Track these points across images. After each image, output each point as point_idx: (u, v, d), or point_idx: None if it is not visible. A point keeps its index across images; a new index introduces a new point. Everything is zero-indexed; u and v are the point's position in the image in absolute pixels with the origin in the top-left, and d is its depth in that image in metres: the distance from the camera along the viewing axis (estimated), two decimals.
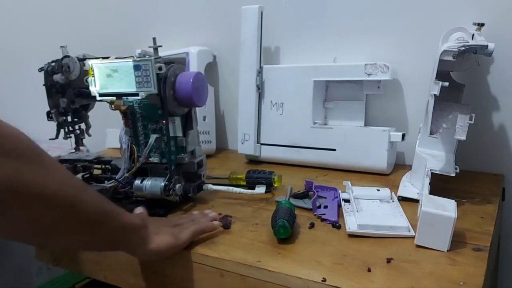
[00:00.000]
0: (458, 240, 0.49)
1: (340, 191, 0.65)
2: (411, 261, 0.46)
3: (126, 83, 0.62)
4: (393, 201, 0.62)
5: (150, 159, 0.65)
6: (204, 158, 0.67)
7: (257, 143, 0.89)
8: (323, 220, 0.58)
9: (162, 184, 0.61)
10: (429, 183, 0.58)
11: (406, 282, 0.42)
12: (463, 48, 0.59)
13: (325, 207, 0.61)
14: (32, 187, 0.35)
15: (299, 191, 0.67)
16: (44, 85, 0.71)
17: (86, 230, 0.41)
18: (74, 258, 0.63)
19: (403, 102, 0.83)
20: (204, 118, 0.97)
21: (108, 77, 0.63)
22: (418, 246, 0.49)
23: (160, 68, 0.59)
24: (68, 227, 0.39)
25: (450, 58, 0.60)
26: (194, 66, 0.95)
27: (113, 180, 0.64)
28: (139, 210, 0.55)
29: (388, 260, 0.46)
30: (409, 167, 0.72)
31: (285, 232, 0.51)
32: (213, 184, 0.68)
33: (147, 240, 0.48)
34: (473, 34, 0.66)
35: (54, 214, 0.37)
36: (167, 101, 0.60)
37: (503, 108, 0.75)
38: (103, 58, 0.64)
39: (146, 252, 0.48)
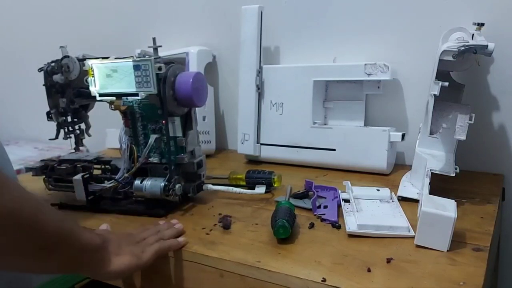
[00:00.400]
0: (458, 240, 0.49)
1: (340, 191, 0.65)
2: (411, 261, 0.46)
3: (125, 83, 0.62)
4: (393, 201, 0.62)
5: (149, 159, 0.65)
6: (203, 158, 0.67)
7: (257, 143, 0.89)
8: (323, 220, 0.58)
9: (162, 184, 0.61)
10: (429, 183, 0.58)
11: (406, 282, 0.42)
12: (463, 48, 0.59)
13: (325, 207, 0.61)
14: None
15: (299, 191, 0.67)
16: (44, 85, 0.71)
17: (43, 252, 0.39)
18: None
19: (403, 102, 0.83)
20: (204, 118, 0.97)
21: (108, 77, 0.63)
22: (418, 246, 0.49)
23: (159, 68, 0.59)
24: (24, 248, 0.37)
25: (450, 58, 0.60)
26: (194, 66, 0.95)
27: (113, 180, 0.64)
28: (103, 227, 0.54)
29: (388, 260, 0.46)
30: (409, 167, 0.72)
31: (285, 232, 0.51)
32: (213, 184, 0.68)
33: (106, 262, 0.46)
34: (473, 34, 0.66)
35: (10, 234, 0.35)
36: (166, 101, 0.60)
37: (503, 108, 0.75)
38: (103, 58, 0.64)
39: (106, 273, 0.46)
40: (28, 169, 0.73)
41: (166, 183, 0.62)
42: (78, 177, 0.65)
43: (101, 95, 0.64)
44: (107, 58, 0.63)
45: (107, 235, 0.49)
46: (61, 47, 0.69)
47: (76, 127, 0.74)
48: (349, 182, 0.66)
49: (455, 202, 0.50)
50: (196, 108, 0.65)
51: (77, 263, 0.44)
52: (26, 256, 0.38)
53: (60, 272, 0.45)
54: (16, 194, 0.36)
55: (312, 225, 0.56)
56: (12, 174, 0.61)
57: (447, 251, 0.48)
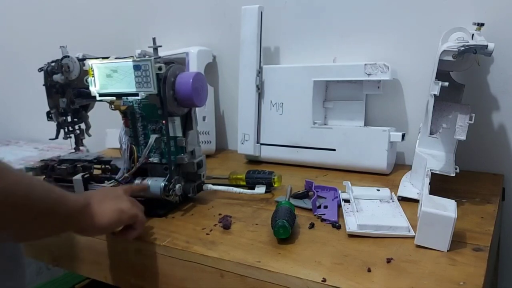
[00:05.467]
0: (458, 240, 0.49)
1: (340, 191, 0.65)
2: (411, 261, 0.46)
3: (126, 83, 0.62)
4: (393, 201, 0.62)
5: (150, 159, 0.65)
6: (203, 158, 0.67)
7: (257, 143, 0.89)
8: (323, 220, 0.58)
9: (162, 184, 0.61)
10: (429, 183, 0.58)
11: (406, 282, 0.42)
12: (463, 48, 0.59)
13: (325, 207, 0.61)
14: None
15: (299, 191, 0.67)
16: (44, 85, 0.71)
17: (34, 221, 0.42)
18: (74, 258, 0.63)
19: (403, 102, 0.83)
20: (204, 118, 0.97)
21: (108, 77, 0.63)
22: (418, 246, 0.49)
23: (160, 68, 0.59)
24: (17, 222, 0.41)
25: (450, 58, 0.60)
26: (194, 66, 0.95)
27: (113, 180, 0.64)
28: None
29: (388, 260, 0.46)
30: (409, 167, 0.72)
31: (285, 232, 0.51)
32: (213, 184, 0.68)
33: (91, 218, 0.49)
34: (473, 34, 0.66)
35: (4, 211, 0.39)
36: (166, 101, 0.60)
37: (503, 108, 0.75)
38: (103, 58, 0.64)
39: (91, 229, 0.50)
40: (28, 169, 0.73)
41: (166, 183, 0.62)
42: (78, 177, 0.65)
43: (101, 95, 0.64)
44: (107, 58, 0.63)
45: (89, 193, 0.53)
46: (61, 47, 0.69)
47: (76, 127, 0.74)
48: (349, 182, 0.66)
49: (455, 202, 0.50)
50: (196, 108, 0.65)
51: (67, 225, 0.47)
52: (18, 228, 0.42)
53: (49, 236, 0.48)
54: (10, 176, 0.39)
55: (312, 225, 0.56)
56: None
57: (447, 251, 0.48)
